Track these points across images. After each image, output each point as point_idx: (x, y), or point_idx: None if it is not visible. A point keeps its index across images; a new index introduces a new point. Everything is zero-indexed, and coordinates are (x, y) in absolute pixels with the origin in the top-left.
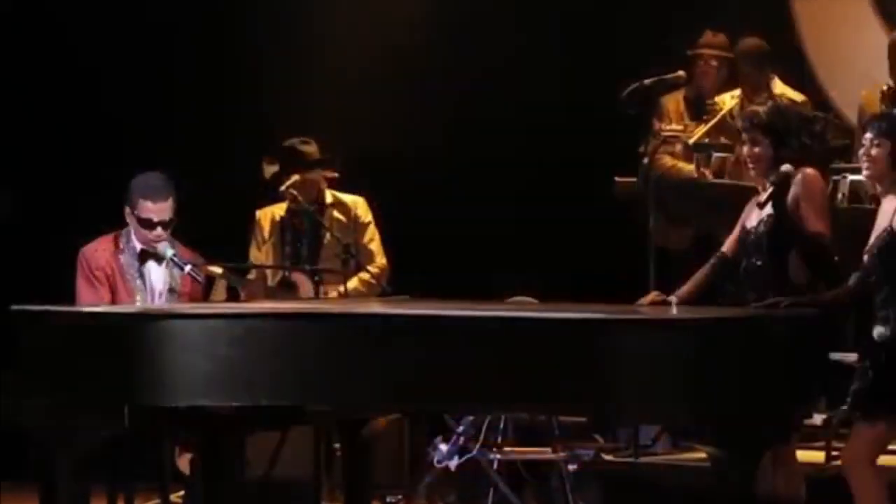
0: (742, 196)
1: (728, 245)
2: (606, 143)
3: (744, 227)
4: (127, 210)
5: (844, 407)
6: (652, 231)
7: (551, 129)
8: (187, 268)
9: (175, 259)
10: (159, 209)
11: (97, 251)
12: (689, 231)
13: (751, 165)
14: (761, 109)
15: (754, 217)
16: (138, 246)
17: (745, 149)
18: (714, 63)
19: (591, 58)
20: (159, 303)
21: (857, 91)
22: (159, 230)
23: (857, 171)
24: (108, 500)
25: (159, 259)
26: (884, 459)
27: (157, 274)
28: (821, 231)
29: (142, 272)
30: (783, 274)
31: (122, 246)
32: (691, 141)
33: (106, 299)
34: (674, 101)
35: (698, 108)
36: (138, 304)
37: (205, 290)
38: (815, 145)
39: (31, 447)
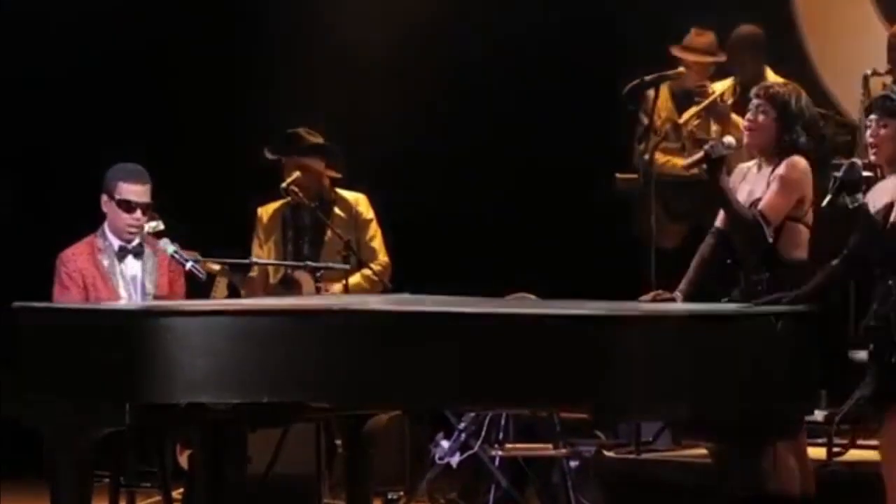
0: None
1: (721, 219)
2: (607, 140)
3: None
4: (104, 198)
5: (846, 404)
6: (653, 226)
7: (553, 126)
8: (189, 264)
9: (177, 255)
10: (139, 191)
11: (75, 254)
12: (685, 228)
13: (747, 134)
14: (779, 87)
15: (741, 197)
16: (116, 244)
17: (748, 115)
18: (695, 68)
19: (591, 55)
20: (140, 299)
21: (858, 86)
22: (138, 213)
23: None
24: (109, 497)
25: (136, 254)
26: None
27: (135, 270)
28: (766, 216)
29: (122, 271)
30: (777, 257)
31: (100, 246)
32: (681, 120)
33: (77, 300)
34: (662, 96)
35: (684, 102)
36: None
37: (187, 283)
38: (813, 145)
39: (40, 445)
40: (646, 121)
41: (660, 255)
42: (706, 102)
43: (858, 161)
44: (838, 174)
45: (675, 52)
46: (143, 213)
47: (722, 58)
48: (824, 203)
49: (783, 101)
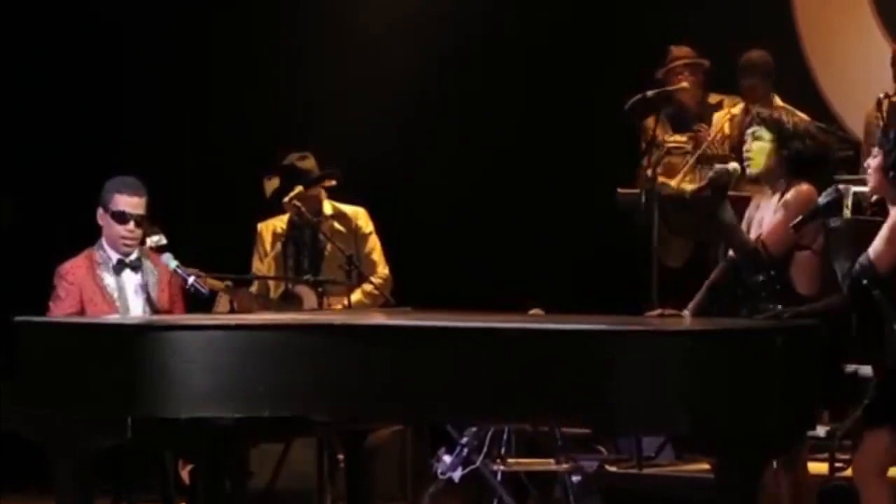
0: (741, 208)
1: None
2: (610, 154)
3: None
4: (100, 211)
5: (848, 419)
6: (656, 242)
7: (555, 140)
8: (191, 279)
9: (179, 270)
10: (133, 203)
11: (73, 267)
12: (689, 244)
13: (748, 163)
14: (771, 112)
15: (755, 228)
16: (114, 257)
17: (745, 145)
18: (686, 73)
19: (594, 69)
20: (138, 312)
21: (860, 102)
22: (132, 225)
23: (861, 182)
24: None
25: (134, 268)
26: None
27: (133, 283)
28: (766, 242)
29: (120, 284)
30: (787, 286)
31: (98, 260)
32: (674, 182)
33: (70, 312)
34: (651, 122)
35: (679, 123)
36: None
37: (190, 299)
38: (816, 159)
39: (43, 458)
40: (659, 136)
41: (665, 272)
42: (698, 153)
43: (842, 186)
44: (819, 200)
45: (666, 67)
46: (138, 226)
47: (705, 61)
48: (791, 225)
49: (775, 121)
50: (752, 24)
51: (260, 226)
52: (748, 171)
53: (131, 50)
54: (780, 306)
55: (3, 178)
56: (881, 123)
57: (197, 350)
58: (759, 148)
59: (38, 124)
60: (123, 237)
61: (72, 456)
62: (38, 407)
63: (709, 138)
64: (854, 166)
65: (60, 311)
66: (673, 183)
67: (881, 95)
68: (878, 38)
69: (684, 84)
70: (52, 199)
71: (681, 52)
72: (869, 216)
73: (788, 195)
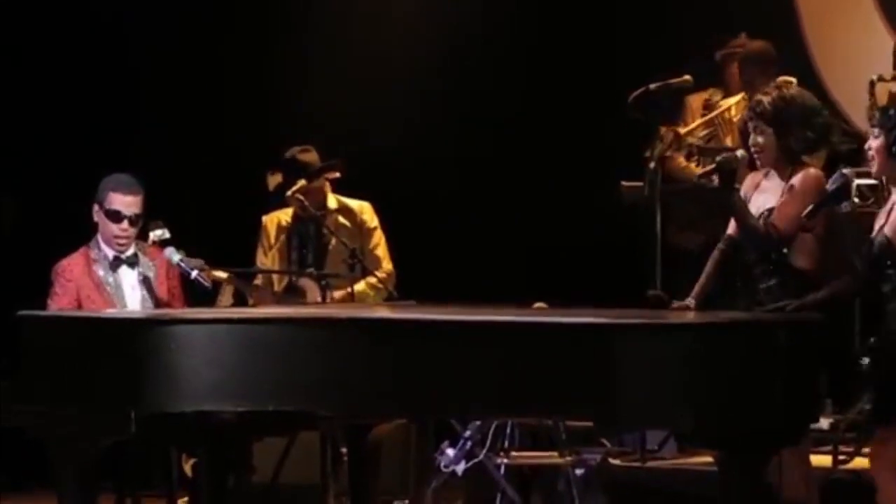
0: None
1: (733, 226)
2: (611, 150)
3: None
4: (95, 208)
5: (851, 411)
6: (659, 235)
7: (560, 133)
8: (194, 273)
9: (182, 264)
10: (128, 202)
11: (70, 265)
12: (701, 236)
13: (756, 156)
14: (766, 99)
15: (754, 208)
16: (110, 253)
17: (751, 139)
18: (738, 77)
19: (598, 62)
20: (136, 307)
21: (863, 95)
22: (126, 224)
23: (864, 175)
24: None
25: (130, 264)
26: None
27: (130, 278)
28: (777, 226)
29: (117, 281)
30: (786, 265)
31: (94, 257)
32: (683, 131)
33: (70, 308)
34: (699, 100)
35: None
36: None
37: (193, 291)
38: (819, 138)
39: (45, 455)
40: (662, 129)
41: (673, 262)
42: (710, 115)
43: (848, 171)
44: (828, 187)
45: (731, 49)
46: (132, 225)
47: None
48: (804, 213)
49: (772, 113)
50: (753, 17)
51: (264, 219)
52: (758, 164)
53: (134, 48)
54: (774, 281)
55: (6, 179)
56: (870, 106)
57: (201, 344)
58: (764, 143)
59: (41, 125)
60: (117, 236)
61: (74, 453)
62: (40, 403)
63: (719, 109)
64: (856, 159)
65: (57, 308)
66: (683, 131)
67: (874, 77)
68: (880, 30)
69: (687, 77)
70: (56, 200)
71: (742, 42)
72: (874, 207)
73: (795, 179)
